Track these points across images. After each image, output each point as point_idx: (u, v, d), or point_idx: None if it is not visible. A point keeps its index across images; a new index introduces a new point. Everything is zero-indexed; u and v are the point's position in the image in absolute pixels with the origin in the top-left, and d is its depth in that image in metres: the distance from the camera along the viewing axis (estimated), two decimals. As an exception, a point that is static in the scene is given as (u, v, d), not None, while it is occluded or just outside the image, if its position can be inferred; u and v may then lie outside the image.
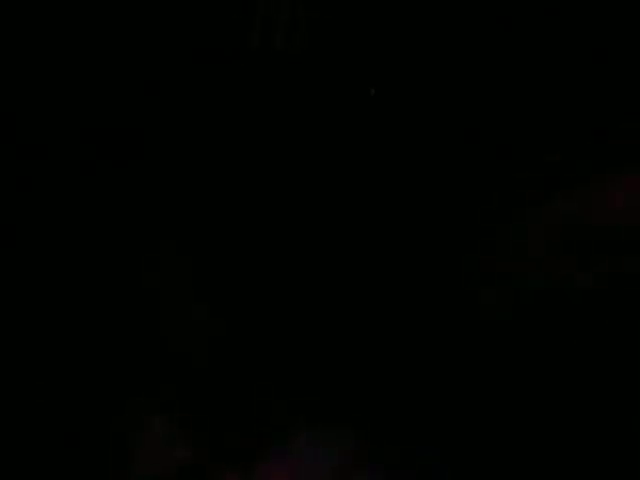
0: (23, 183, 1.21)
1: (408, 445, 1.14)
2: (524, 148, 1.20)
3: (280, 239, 1.21)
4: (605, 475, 1.12)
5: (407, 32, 1.22)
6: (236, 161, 1.23)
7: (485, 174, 1.20)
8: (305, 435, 1.14)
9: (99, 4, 1.23)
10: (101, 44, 1.23)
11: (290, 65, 1.23)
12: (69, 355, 1.17)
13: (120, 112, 1.22)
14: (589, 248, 1.16)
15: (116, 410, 1.16)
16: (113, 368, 1.17)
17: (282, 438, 1.14)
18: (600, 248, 1.15)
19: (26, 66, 1.22)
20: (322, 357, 1.18)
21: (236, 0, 1.23)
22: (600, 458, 1.12)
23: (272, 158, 1.22)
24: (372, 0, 1.23)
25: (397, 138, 1.22)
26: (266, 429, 1.15)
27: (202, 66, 1.23)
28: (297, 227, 1.21)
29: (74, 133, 1.22)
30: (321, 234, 1.21)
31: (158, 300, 1.19)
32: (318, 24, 1.23)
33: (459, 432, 1.14)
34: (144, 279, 1.20)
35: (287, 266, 1.20)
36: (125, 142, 1.22)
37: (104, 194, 1.21)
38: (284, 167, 1.22)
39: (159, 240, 1.21)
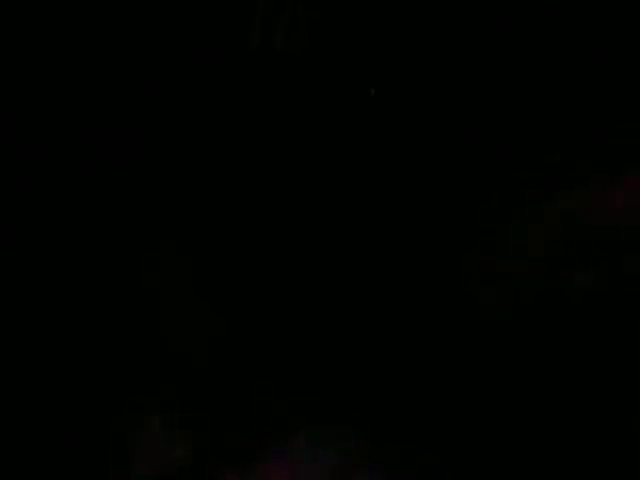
0: (23, 183, 1.21)
1: (408, 445, 1.14)
2: (524, 148, 1.19)
3: (280, 239, 1.21)
4: (605, 475, 1.12)
5: (407, 32, 1.22)
6: (236, 161, 1.23)
7: (485, 174, 1.20)
8: (305, 435, 1.14)
9: (99, 4, 1.23)
10: (101, 44, 1.23)
11: (290, 65, 1.23)
12: (69, 355, 1.17)
13: (120, 112, 1.22)
14: (589, 248, 1.16)
15: (116, 410, 1.16)
16: (113, 368, 1.17)
17: (282, 438, 1.14)
18: (600, 248, 1.15)
19: (26, 66, 1.22)
20: (322, 357, 1.18)
21: (236, 0, 1.23)
22: (600, 458, 1.12)
23: (272, 158, 1.22)
24: (372, 0, 1.23)
25: (397, 138, 1.22)
26: (266, 429, 1.15)
27: (202, 66, 1.23)
28: (297, 227, 1.21)
29: (74, 133, 1.22)
30: (321, 234, 1.21)
31: (158, 300, 1.19)
32: (318, 24, 1.23)
33: (459, 432, 1.14)
34: (144, 279, 1.20)
35: (287, 266, 1.21)
36: (125, 142, 1.22)
37: (104, 194, 1.21)
38: (284, 167, 1.22)
39: (159, 240, 1.21)
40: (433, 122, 1.22)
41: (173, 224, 1.21)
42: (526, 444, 1.13)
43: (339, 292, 1.20)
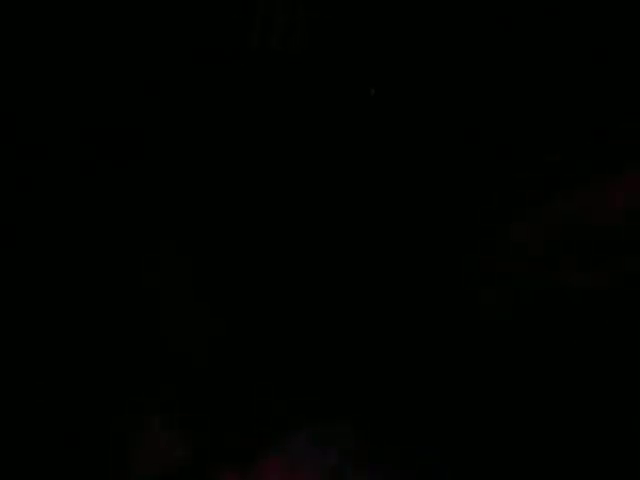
0: (23, 183, 1.21)
1: (408, 445, 1.14)
2: (524, 148, 1.19)
3: (280, 239, 1.21)
4: (605, 475, 1.12)
5: (407, 32, 1.22)
6: (236, 161, 1.23)
7: (485, 174, 1.20)
8: (305, 434, 1.14)
9: (99, 4, 1.23)
10: (101, 44, 1.23)
11: (289, 65, 1.23)
12: (69, 355, 1.17)
13: (120, 112, 1.22)
14: (589, 248, 1.16)
15: (116, 410, 1.16)
16: (113, 368, 1.17)
17: (282, 438, 1.14)
18: (600, 248, 1.15)
19: (26, 66, 1.22)
20: (321, 357, 1.18)
21: (236, 0, 1.23)
22: (600, 458, 1.12)
23: (272, 158, 1.22)
24: (372, 0, 1.23)
25: (397, 138, 1.22)
26: (266, 429, 1.15)
27: (201, 66, 1.23)
28: (297, 227, 1.21)
29: (74, 133, 1.22)
30: (321, 234, 1.21)
31: (158, 300, 1.19)
32: (318, 24, 1.23)
33: (459, 432, 1.14)
34: (144, 279, 1.20)
35: (287, 266, 1.21)
36: (125, 142, 1.22)
37: (104, 194, 1.21)
38: (284, 167, 1.22)
39: (159, 240, 1.21)
40: (433, 122, 1.22)
41: (173, 224, 1.21)
42: (526, 444, 1.13)
43: (339, 292, 1.20)
